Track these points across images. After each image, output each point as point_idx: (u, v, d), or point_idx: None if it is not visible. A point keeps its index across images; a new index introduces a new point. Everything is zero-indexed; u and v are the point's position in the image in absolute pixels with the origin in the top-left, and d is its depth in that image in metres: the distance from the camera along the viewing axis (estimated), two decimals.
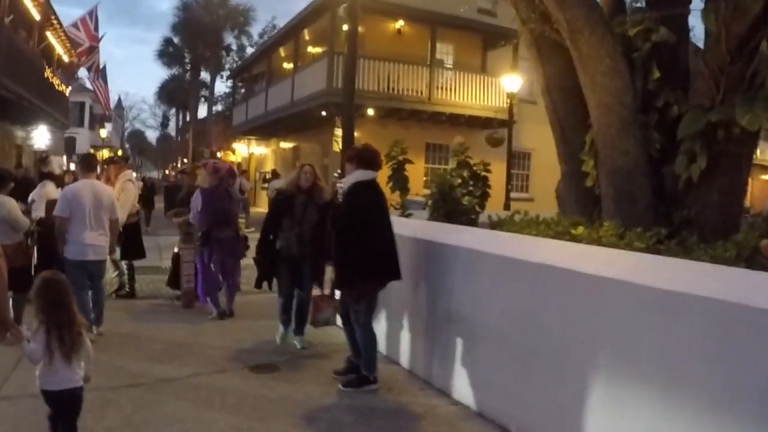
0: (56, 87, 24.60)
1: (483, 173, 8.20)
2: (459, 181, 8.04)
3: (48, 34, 23.23)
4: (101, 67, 23.69)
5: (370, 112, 20.91)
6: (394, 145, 8.32)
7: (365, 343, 5.85)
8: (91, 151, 47.08)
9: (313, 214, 7.02)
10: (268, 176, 26.53)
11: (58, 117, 25.39)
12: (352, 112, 9.64)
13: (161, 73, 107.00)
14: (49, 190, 8.98)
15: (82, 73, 27.69)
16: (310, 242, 6.98)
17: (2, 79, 16.15)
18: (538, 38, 8.23)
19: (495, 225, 7.62)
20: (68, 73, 28.05)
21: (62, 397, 3.81)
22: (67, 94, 27.37)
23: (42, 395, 3.82)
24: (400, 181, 8.29)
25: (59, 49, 25.50)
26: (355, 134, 20.74)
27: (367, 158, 5.91)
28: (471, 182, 8.10)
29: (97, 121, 48.58)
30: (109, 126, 50.39)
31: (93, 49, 21.87)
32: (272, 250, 7.10)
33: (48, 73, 22.84)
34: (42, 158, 9.77)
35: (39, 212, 8.52)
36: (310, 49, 26.99)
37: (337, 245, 5.75)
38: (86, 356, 3.92)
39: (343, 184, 5.98)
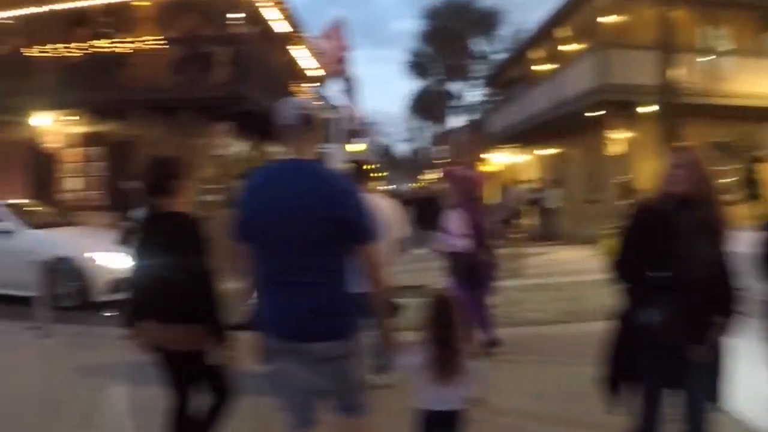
0: None
1: None
2: None
3: (293, 47, 22.71)
4: (351, 79, 22.68)
5: (644, 109, 18.04)
6: (740, 138, 5.94)
7: None
8: (346, 165, 47.52)
9: (706, 247, 3.51)
10: (534, 186, 24.72)
11: None
12: (671, 110, 7.41)
13: (409, 88, 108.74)
14: None
15: (330, 88, 27.07)
16: (706, 304, 3.51)
17: (251, 92, 15.46)
18: None
19: None
20: (316, 87, 27.67)
21: (437, 419, 3.60)
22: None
23: (419, 413, 3.63)
24: (752, 186, 5.87)
25: (305, 63, 25.06)
26: (630, 135, 18.39)
27: None
28: None
29: (348, 137, 49.15)
30: (360, 141, 50.80)
31: (342, 60, 20.87)
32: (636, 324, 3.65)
33: (297, 86, 22.28)
34: None
35: None
36: (569, 46, 24.53)
37: None
38: (474, 377, 3.60)
39: None
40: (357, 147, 47.24)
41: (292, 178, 3.24)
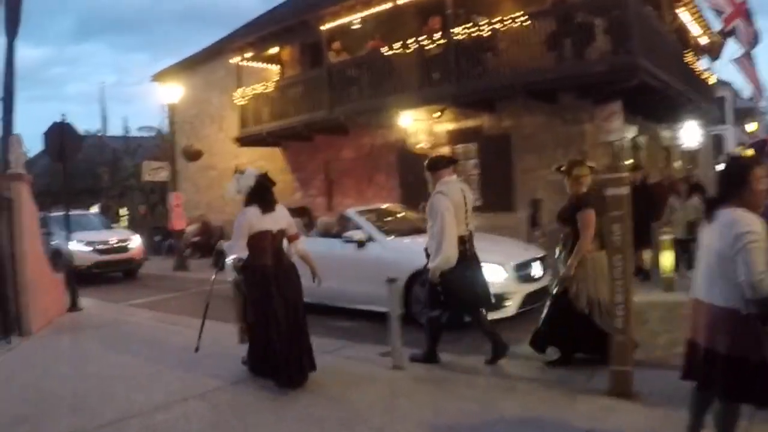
0: (699, 75, 20.49)
1: None
2: None
3: (679, 11, 19.26)
4: (757, 37, 18.59)
5: None
6: None
7: None
8: (737, 150, 42.03)
9: None
10: None
11: (708, 109, 21.31)
12: None
13: None
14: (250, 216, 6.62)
15: (725, 56, 22.89)
16: None
17: (643, 62, 12.63)
18: None
19: None
20: (711, 56, 23.69)
21: None
22: (711, 83, 22.92)
23: None
24: None
25: (694, 29, 21.39)
26: None
27: None
28: None
29: (741, 116, 43.88)
30: (754, 119, 44.99)
31: (743, 16, 17.07)
32: None
33: (689, 57, 18.84)
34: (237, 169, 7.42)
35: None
36: None
37: None
38: None
39: None
40: (751, 126, 41.65)
41: None
